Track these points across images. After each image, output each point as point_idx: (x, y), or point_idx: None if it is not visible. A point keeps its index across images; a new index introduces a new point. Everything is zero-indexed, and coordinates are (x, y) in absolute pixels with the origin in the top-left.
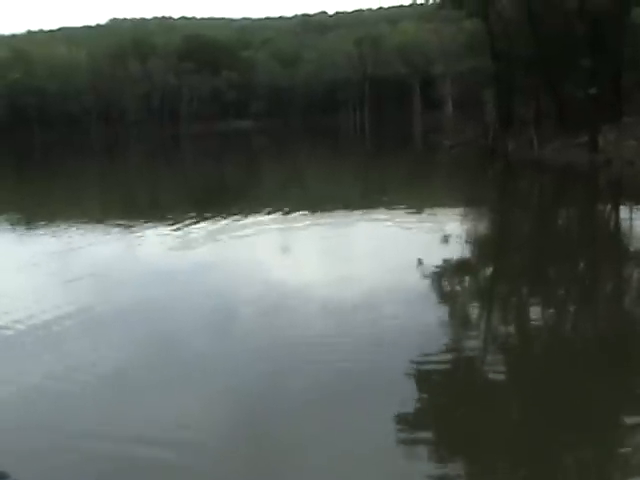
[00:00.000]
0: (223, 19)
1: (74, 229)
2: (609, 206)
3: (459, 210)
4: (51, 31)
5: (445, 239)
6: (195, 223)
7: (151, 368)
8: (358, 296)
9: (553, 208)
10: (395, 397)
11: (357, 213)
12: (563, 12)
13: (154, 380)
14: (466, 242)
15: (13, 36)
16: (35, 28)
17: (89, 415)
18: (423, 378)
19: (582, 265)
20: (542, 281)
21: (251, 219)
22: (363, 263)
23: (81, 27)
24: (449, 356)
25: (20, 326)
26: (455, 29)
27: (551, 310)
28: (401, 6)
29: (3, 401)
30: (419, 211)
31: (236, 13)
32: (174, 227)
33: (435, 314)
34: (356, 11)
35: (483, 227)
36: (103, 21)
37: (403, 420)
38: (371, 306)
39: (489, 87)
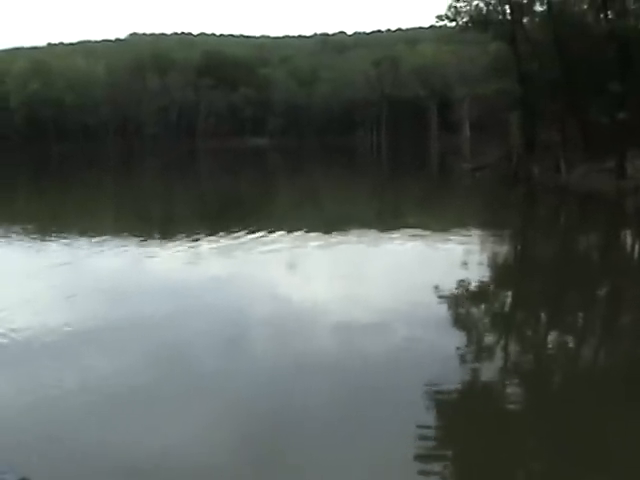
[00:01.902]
0: (242, 36)
1: (87, 241)
2: (635, 234)
3: (480, 234)
4: (71, 44)
5: (464, 262)
6: (208, 239)
7: (159, 384)
8: (373, 317)
9: (577, 235)
10: (409, 421)
11: (372, 233)
12: (591, 35)
13: (161, 397)
14: (486, 266)
15: (34, 48)
16: (55, 41)
17: (94, 431)
18: (438, 404)
19: (603, 294)
20: (562, 309)
21: (265, 236)
22: (378, 283)
23: (101, 41)
24: (465, 382)
25: (35, 337)
26: (476, 51)
27: (570, 339)
28: (420, 27)
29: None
30: (438, 233)
31: (255, 31)
32: (187, 242)
33: (452, 338)
34: (375, 32)
35: (504, 252)
36: (123, 35)
37: (417, 446)
38: (386, 327)
39: (514, 110)
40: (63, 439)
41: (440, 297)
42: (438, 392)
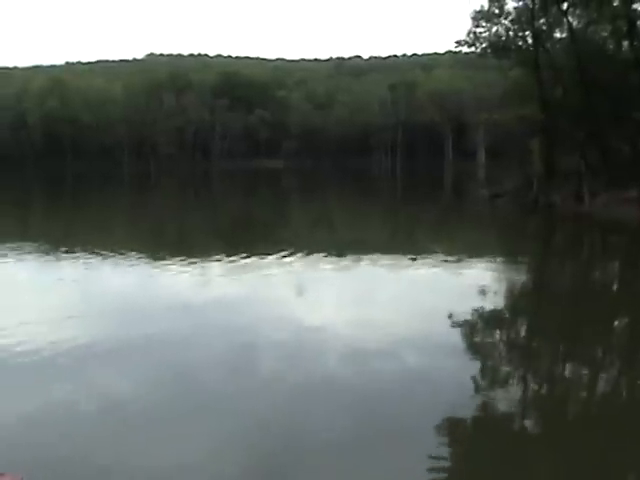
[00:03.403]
0: (258, 59)
1: (98, 259)
2: None
3: (499, 262)
4: (89, 63)
5: (481, 290)
6: (219, 260)
7: (169, 405)
8: (386, 342)
9: (598, 265)
10: (421, 451)
11: (387, 258)
12: (615, 62)
13: (171, 417)
14: (504, 295)
15: (52, 67)
16: (74, 60)
17: (105, 451)
18: (452, 434)
19: (623, 326)
20: (580, 340)
21: (278, 259)
22: (392, 309)
23: (118, 61)
24: (480, 412)
25: (44, 355)
26: (493, 77)
27: (587, 371)
28: (435, 53)
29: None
30: (455, 260)
31: (271, 53)
32: (199, 262)
33: (466, 367)
34: (390, 56)
35: (522, 281)
36: (140, 56)
37: (429, 478)
38: (400, 353)
39: (534, 137)
40: (73, 458)
41: (455, 325)
42: (452, 421)
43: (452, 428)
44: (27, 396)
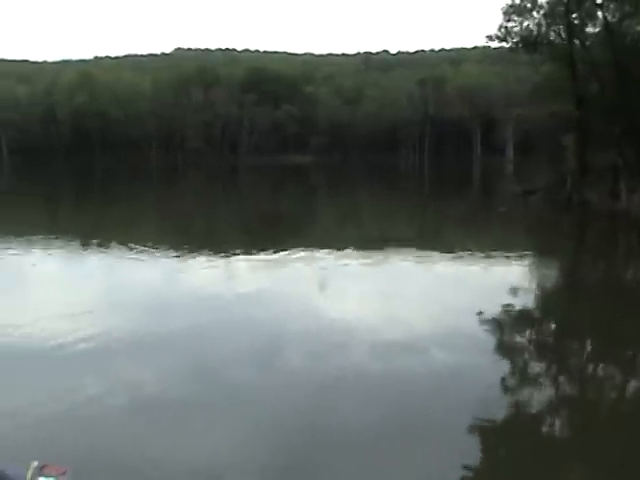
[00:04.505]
0: (286, 53)
1: (125, 254)
2: None
3: (531, 259)
4: (117, 57)
5: (511, 288)
6: (246, 254)
7: (195, 398)
8: (411, 338)
9: (633, 263)
10: (448, 447)
11: (415, 253)
12: None
13: (196, 410)
14: (535, 293)
15: (81, 61)
16: (102, 54)
17: (131, 443)
18: (480, 433)
19: None
20: (612, 340)
21: (305, 254)
22: (421, 305)
23: (147, 55)
24: (509, 411)
25: (66, 349)
26: (523, 72)
27: (620, 371)
28: (464, 48)
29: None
30: (486, 257)
31: (299, 48)
32: (227, 256)
33: (496, 365)
34: (418, 51)
35: (555, 279)
36: (168, 50)
37: (458, 474)
38: (428, 350)
39: (567, 133)
40: (110, 450)
41: (485, 322)
42: (481, 420)
43: (481, 427)
44: (59, 390)
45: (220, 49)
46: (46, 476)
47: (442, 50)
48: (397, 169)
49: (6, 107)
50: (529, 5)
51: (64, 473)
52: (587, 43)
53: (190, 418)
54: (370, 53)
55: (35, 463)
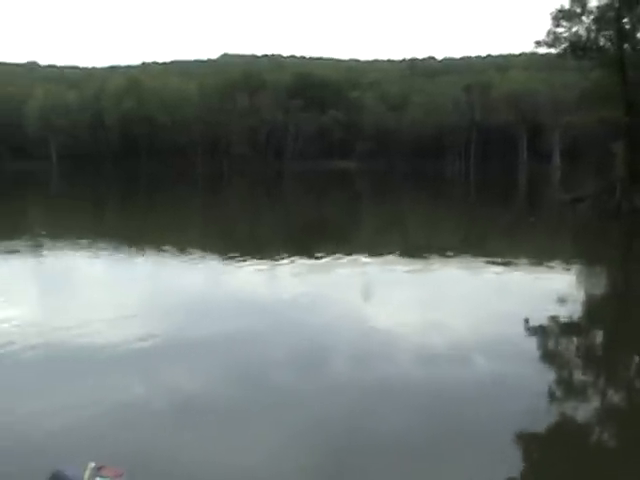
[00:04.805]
0: (331, 59)
1: (171, 258)
2: None
3: (579, 268)
4: (164, 63)
5: (558, 297)
6: (291, 260)
7: (239, 400)
8: (456, 346)
9: None
10: (493, 457)
11: (460, 261)
12: None
13: (240, 413)
14: (581, 302)
15: (128, 67)
16: (150, 60)
17: (174, 445)
18: (527, 441)
19: None
20: None
21: (350, 260)
22: (466, 312)
23: (193, 61)
24: (556, 421)
25: (113, 350)
26: (570, 78)
27: None
28: (510, 54)
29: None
30: (531, 265)
31: (345, 54)
32: (270, 262)
33: (542, 374)
34: (464, 57)
35: (603, 288)
36: (215, 56)
37: None
38: (470, 357)
39: (617, 140)
40: (161, 453)
41: (531, 330)
42: (527, 429)
43: (526, 436)
44: (104, 392)
45: (266, 55)
46: (103, 477)
47: (488, 56)
48: (442, 175)
49: (56, 113)
50: (579, 10)
51: (120, 475)
52: (638, 48)
53: (233, 421)
54: (416, 59)
55: (92, 464)
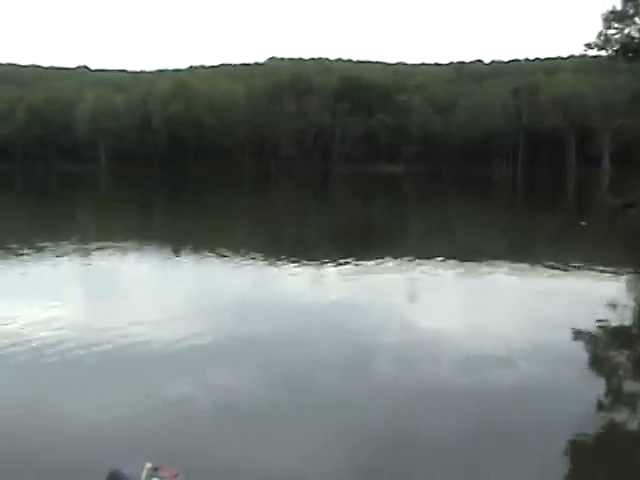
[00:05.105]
0: (378, 63)
1: (216, 260)
2: None
3: (628, 274)
4: (212, 67)
5: (607, 303)
6: (336, 262)
7: (280, 402)
8: (500, 350)
9: None
10: (537, 465)
11: (507, 266)
12: None
13: (281, 415)
14: (631, 309)
15: (176, 71)
16: (197, 64)
17: (214, 446)
18: (573, 451)
19: None
20: None
21: (395, 264)
22: (508, 317)
23: (240, 64)
24: (604, 431)
25: (159, 351)
26: (620, 81)
27: None
28: (558, 57)
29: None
30: (580, 270)
31: (392, 57)
32: (314, 264)
33: (590, 383)
34: (512, 60)
35: None
36: (262, 59)
37: None
38: (514, 363)
39: None
40: (187, 454)
41: (578, 337)
42: (573, 439)
43: (574, 446)
44: (152, 392)
45: (313, 58)
46: (160, 478)
47: (537, 59)
48: (490, 179)
49: (105, 115)
50: (631, 11)
51: (176, 476)
52: None
53: (277, 421)
54: (463, 62)
55: (149, 465)
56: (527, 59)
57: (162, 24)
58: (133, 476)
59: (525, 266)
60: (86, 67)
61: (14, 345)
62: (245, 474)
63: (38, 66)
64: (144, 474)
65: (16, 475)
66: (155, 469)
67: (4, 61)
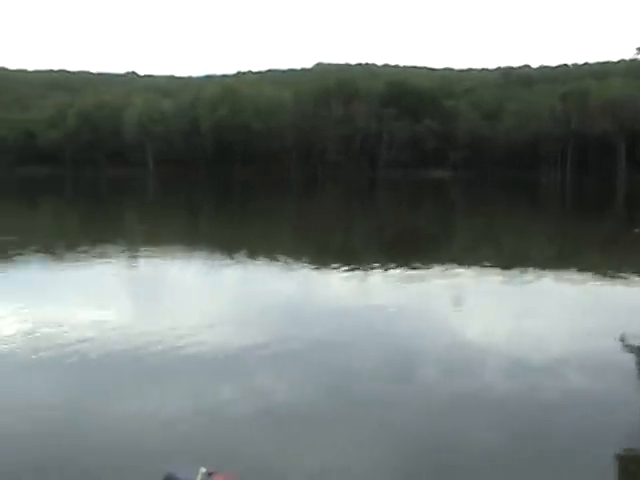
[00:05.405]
0: (425, 68)
1: (262, 264)
2: None
3: None
4: (259, 72)
5: None
6: (382, 268)
7: (322, 408)
8: (547, 359)
9: None
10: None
11: (552, 273)
12: None
13: (323, 421)
14: None
15: (224, 76)
16: (244, 69)
17: (260, 449)
18: (625, 467)
19: None
20: None
21: (441, 270)
22: (556, 325)
23: (287, 70)
24: None
25: (203, 355)
26: None
27: None
28: (608, 62)
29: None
30: (631, 278)
31: (438, 63)
32: (360, 270)
33: (637, 393)
34: (561, 65)
35: None
36: (309, 65)
37: None
38: (561, 372)
39: None
40: (235, 457)
41: (629, 347)
42: (626, 454)
43: (621, 458)
44: (194, 398)
45: (360, 64)
46: None
47: (585, 64)
48: (537, 184)
49: (153, 120)
50: None
51: None
52: None
53: (322, 426)
54: (511, 67)
55: (203, 469)
56: (576, 64)
57: (210, 30)
58: None
59: (573, 273)
60: (134, 73)
61: (62, 347)
62: (298, 476)
63: (88, 72)
64: (199, 478)
65: (64, 475)
66: (209, 474)
67: (55, 67)
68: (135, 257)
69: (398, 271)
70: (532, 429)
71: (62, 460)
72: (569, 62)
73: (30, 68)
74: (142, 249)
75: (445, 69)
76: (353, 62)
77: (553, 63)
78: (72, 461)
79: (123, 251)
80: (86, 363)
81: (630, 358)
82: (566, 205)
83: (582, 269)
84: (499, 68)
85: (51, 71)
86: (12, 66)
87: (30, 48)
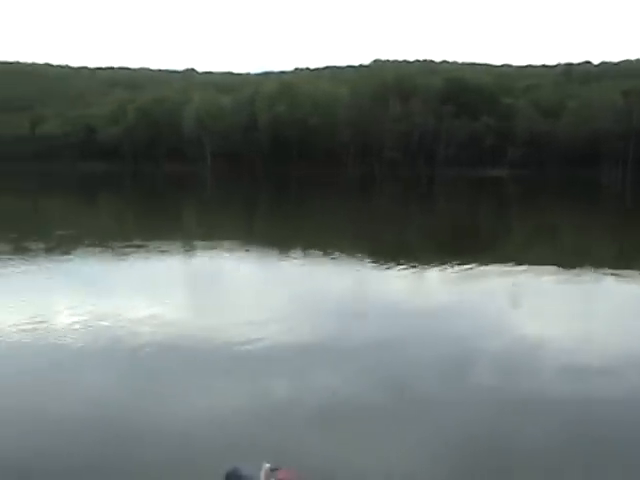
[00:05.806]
0: (484, 65)
1: (315, 261)
2: None
3: None
4: (317, 69)
5: None
6: (440, 267)
7: (376, 406)
8: (606, 361)
9: None
10: None
11: (612, 273)
12: None
13: (377, 419)
14: None
15: (282, 73)
16: (302, 66)
17: (308, 445)
18: None
19: None
20: None
21: (500, 269)
22: (616, 326)
23: (345, 67)
24: None
25: (257, 352)
26: None
27: None
28: None
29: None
30: None
31: (497, 59)
32: (418, 268)
33: None
34: (623, 61)
35: None
36: (367, 62)
37: None
38: (622, 374)
39: None
40: (294, 453)
41: None
42: None
43: None
44: (248, 394)
45: (418, 60)
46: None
47: None
48: (598, 182)
49: (212, 116)
50: None
51: (295, 477)
52: None
53: (380, 426)
54: (571, 64)
55: (267, 465)
56: (639, 59)
57: (269, 28)
58: (252, 476)
59: (634, 273)
60: (193, 70)
61: (120, 342)
62: (355, 473)
63: (148, 69)
64: (263, 474)
65: (128, 469)
66: (272, 470)
67: (116, 65)
68: (190, 253)
69: (456, 269)
70: (589, 432)
71: (124, 455)
72: (632, 57)
73: (92, 65)
74: (199, 245)
75: (504, 65)
76: (411, 59)
77: (615, 59)
78: (134, 456)
79: (179, 247)
80: (147, 359)
81: None
82: (627, 204)
83: None
84: (559, 64)
85: (112, 68)
86: (75, 64)
87: (92, 46)
